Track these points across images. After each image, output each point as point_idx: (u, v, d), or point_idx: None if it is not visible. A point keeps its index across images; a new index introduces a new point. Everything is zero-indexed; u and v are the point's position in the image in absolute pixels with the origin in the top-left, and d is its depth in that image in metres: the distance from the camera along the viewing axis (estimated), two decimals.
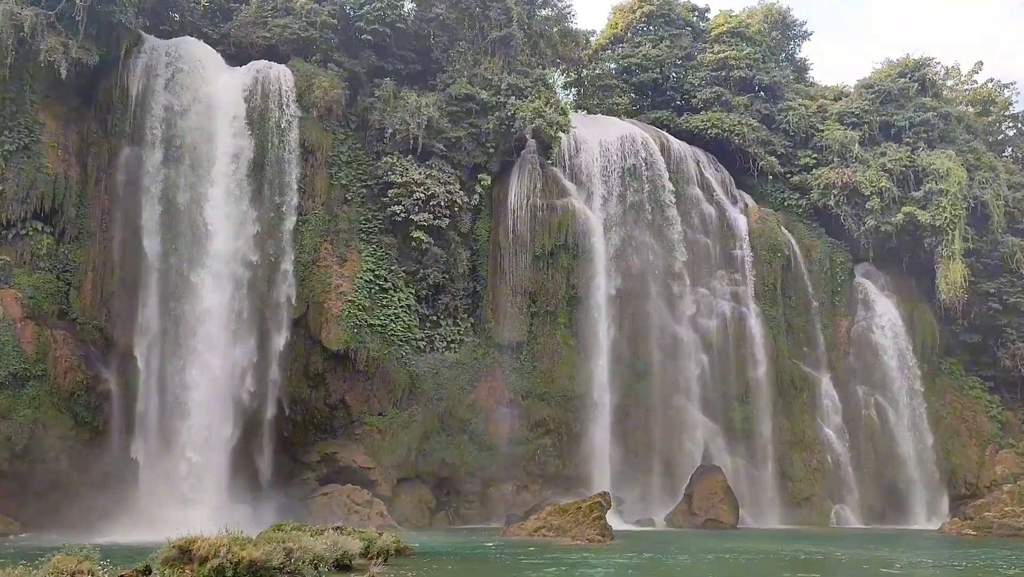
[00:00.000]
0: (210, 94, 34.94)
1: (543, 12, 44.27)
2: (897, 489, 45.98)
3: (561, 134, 41.34)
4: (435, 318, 39.18)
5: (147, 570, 14.66)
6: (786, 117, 51.42)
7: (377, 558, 18.77)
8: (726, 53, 51.71)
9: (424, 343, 38.45)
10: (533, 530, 29.97)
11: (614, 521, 32.28)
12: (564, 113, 41.62)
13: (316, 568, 16.04)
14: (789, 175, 50.71)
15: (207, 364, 32.39)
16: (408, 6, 42.01)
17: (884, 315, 48.43)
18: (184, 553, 14.63)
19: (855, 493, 44.86)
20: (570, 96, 54.47)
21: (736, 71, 51.27)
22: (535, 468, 39.79)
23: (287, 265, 35.57)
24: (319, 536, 18.59)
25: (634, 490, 40.10)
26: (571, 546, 26.83)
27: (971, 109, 56.61)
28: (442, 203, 38.21)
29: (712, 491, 38.58)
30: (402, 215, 37.87)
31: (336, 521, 26.41)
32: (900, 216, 47.74)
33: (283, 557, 15.38)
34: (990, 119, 57.81)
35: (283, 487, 34.99)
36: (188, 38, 36.92)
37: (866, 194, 48.35)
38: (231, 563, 14.48)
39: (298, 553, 15.74)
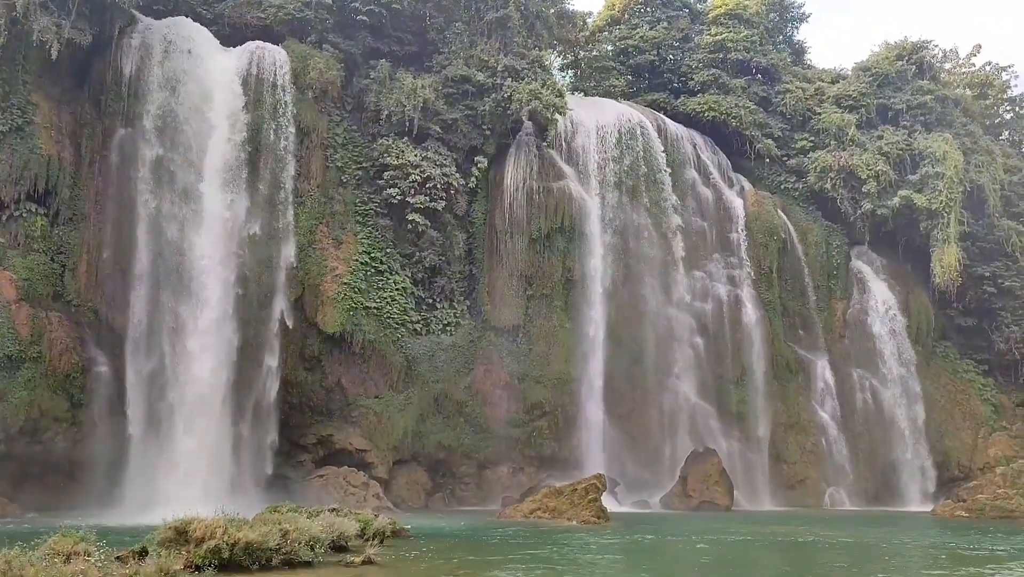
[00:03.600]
0: (205, 75, 34.67)
1: None
2: (891, 471, 46.23)
3: (558, 116, 41.17)
4: (431, 301, 39.15)
5: (144, 552, 14.71)
6: (783, 100, 51.34)
7: (373, 540, 18.83)
8: (723, 35, 51.51)
9: (420, 326, 38.43)
10: (529, 512, 30.09)
11: (609, 503, 32.42)
12: (561, 95, 41.46)
13: (312, 550, 16.10)
14: (786, 158, 50.67)
15: (202, 347, 32.30)
16: None
17: (880, 298, 48.55)
18: (181, 534, 14.71)
19: (849, 476, 45.10)
20: (567, 78, 54.28)
21: (733, 53, 51.09)
22: (531, 450, 39.91)
23: (283, 247, 35.46)
24: (315, 518, 18.67)
25: (629, 472, 40.26)
26: (567, 528, 26.95)
27: (968, 92, 56.50)
28: (438, 185, 38.10)
29: (707, 473, 38.71)
30: (398, 197, 37.78)
31: (332, 503, 26.53)
32: (896, 199, 47.74)
33: (279, 539, 15.45)
34: (987, 102, 57.76)
35: (279, 469, 35.02)
36: (182, 18, 36.59)
37: (863, 177, 48.31)
38: (227, 544, 14.56)
39: (294, 535, 15.80)
